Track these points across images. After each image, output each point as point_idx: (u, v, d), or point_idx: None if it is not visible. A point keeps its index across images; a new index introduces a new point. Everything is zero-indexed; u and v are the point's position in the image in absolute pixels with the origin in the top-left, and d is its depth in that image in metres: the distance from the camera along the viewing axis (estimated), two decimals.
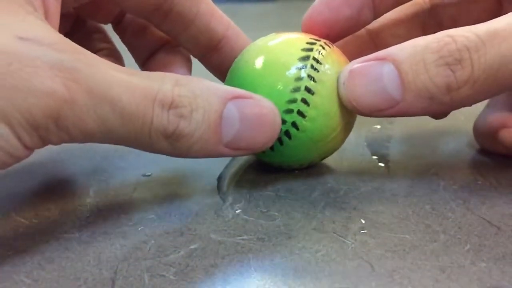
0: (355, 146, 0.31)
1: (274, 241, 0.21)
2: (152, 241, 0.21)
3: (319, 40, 0.26)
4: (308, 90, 0.24)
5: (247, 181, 0.27)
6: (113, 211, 0.24)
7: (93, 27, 0.32)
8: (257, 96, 0.23)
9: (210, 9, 0.28)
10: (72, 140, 0.20)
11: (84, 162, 0.30)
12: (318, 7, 0.27)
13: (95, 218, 0.23)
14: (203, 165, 0.29)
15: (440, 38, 0.22)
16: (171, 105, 0.21)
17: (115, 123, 0.20)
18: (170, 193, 0.26)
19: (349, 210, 0.24)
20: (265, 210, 0.24)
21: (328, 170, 0.28)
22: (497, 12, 0.23)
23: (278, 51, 0.25)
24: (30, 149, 0.19)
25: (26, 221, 0.23)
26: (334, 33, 0.28)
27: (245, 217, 0.23)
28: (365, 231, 0.22)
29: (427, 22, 0.31)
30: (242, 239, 0.21)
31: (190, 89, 0.22)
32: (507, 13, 0.23)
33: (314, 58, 0.25)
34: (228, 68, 0.27)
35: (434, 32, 0.23)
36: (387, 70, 0.23)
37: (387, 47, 0.24)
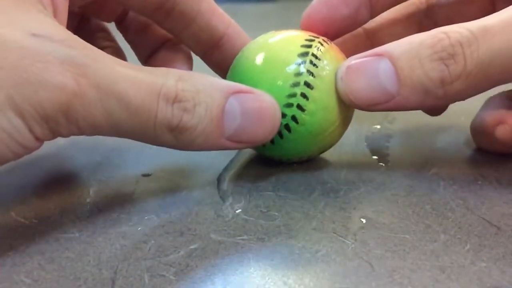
0: (355, 146, 0.31)
1: (274, 241, 0.21)
2: (152, 241, 0.21)
3: (317, 37, 0.26)
4: (307, 85, 0.25)
5: (247, 181, 0.27)
6: (113, 211, 0.24)
7: (97, 26, 0.33)
8: (258, 91, 0.24)
9: (211, 7, 0.29)
10: (81, 132, 0.21)
11: (84, 162, 0.30)
12: (317, 6, 0.28)
13: (95, 218, 0.23)
14: (203, 165, 0.29)
15: (434, 34, 0.23)
16: (175, 100, 0.22)
17: (121, 116, 0.21)
18: (170, 193, 0.26)
19: (349, 210, 0.24)
20: (265, 210, 0.24)
21: (328, 170, 0.28)
22: (491, 12, 0.24)
23: (278, 48, 0.26)
24: (40, 141, 0.20)
25: (26, 221, 0.23)
26: (332, 31, 0.28)
27: (245, 217, 0.23)
28: (365, 231, 0.22)
29: (423, 22, 0.31)
30: (242, 239, 0.21)
31: (193, 84, 0.22)
32: None
33: (313, 54, 0.25)
34: (229, 65, 0.28)
35: None
36: (384, 65, 0.24)
37: None
